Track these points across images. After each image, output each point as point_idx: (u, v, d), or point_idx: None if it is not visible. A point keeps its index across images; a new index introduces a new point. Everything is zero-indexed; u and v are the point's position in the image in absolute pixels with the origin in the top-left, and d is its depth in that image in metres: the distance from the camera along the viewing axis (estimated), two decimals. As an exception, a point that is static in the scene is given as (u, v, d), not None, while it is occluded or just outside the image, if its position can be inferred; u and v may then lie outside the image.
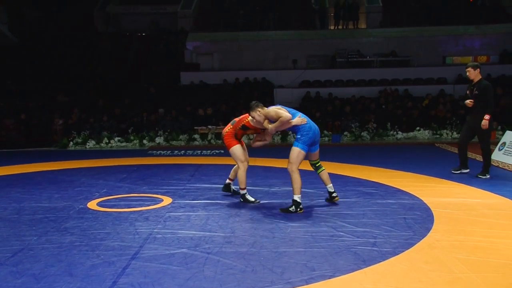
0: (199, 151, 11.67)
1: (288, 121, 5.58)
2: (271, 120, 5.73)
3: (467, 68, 7.60)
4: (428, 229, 4.74)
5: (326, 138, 13.82)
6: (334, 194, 5.94)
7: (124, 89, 18.20)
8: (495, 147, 9.35)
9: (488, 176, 7.53)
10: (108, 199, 6.39)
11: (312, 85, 18.51)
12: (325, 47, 20.42)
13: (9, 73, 19.59)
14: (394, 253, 4.08)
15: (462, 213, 5.36)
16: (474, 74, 7.50)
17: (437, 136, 14.12)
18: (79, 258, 4.03)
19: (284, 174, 8.21)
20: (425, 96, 16.50)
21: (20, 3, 23.44)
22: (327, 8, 21.99)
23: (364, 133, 14.11)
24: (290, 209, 5.50)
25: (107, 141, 13.70)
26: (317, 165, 5.95)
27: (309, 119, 5.76)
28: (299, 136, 5.59)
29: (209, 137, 13.76)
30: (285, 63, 20.30)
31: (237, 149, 6.11)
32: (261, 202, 6.09)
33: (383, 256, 4.00)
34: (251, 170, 8.65)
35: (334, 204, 5.88)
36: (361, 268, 3.74)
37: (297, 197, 5.50)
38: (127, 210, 5.73)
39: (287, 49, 20.53)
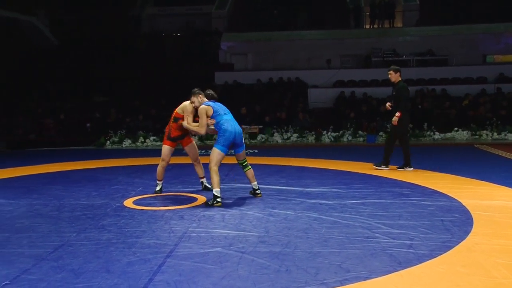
0: (233, 151, 11.71)
1: (192, 130, 6.31)
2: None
3: (389, 71, 8.26)
4: (467, 232, 4.62)
5: (361, 139, 13.66)
6: (258, 191, 6.39)
7: (159, 90, 18.45)
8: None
9: (412, 169, 8.21)
10: (143, 197, 6.49)
11: (346, 85, 18.32)
12: (359, 46, 20.19)
13: (49, 74, 20.17)
14: (431, 255, 3.99)
15: (503, 216, 5.20)
16: (395, 77, 8.18)
17: (477, 137, 13.76)
18: (116, 255, 4.11)
19: (317, 174, 8.18)
20: (465, 96, 16.09)
21: (60, 7, 24.11)
22: (362, 7, 21.74)
23: (400, 134, 13.87)
24: (209, 202, 5.93)
25: (143, 140, 13.92)
26: (243, 164, 6.35)
27: (231, 121, 6.10)
28: (217, 138, 6.05)
29: (243, 137, 13.81)
30: (319, 63, 20.16)
31: (164, 148, 6.65)
32: (295, 202, 6.05)
33: (420, 259, 3.92)
34: (284, 170, 8.65)
35: (369, 205, 5.80)
36: (397, 270, 3.68)
37: (215, 191, 5.89)
38: (162, 209, 5.81)
39: (321, 49, 20.39)
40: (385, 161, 8.47)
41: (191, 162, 6.99)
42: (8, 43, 19.87)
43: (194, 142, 6.85)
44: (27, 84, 19.53)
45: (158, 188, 6.78)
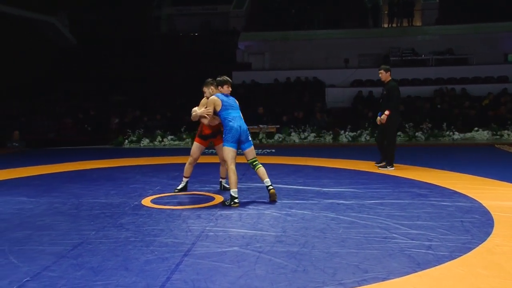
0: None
1: (196, 115, 6.27)
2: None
3: (379, 70, 8.37)
4: (487, 234, 4.54)
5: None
6: (270, 187, 6.10)
7: (177, 89, 18.56)
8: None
9: (393, 168, 8.28)
10: (161, 196, 6.53)
11: (364, 84, 18.21)
12: (377, 45, 20.05)
13: (68, 74, 20.44)
14: (451, 257, 3.94)
15: (524, 217, 5.11)
16: (385, 76, 8.33)
17: (497, 137, 13.55)
18: (134, 253, 4.14)
19: (335, 174, 8.14)
20: (486, 95, 15.86)
21: (80, 6, 24.38)
22: (381, 5, 21.58)
23: (419, 134, 13.74)
24: (226, 202, 5.92)
25: (161, 139, 14.01)
26: (253, 163, 6.16)
27: (237, 118, 6.04)
28: (224, 136, 6.04)
29: (260, 136, 13.81)
30: (337, 62, 20.07)
31: (193, 144, 6.75)
32: (312, 202, 6.03)
33: (439, 260, 3.87)
34: (302, 170, 8.63)
35: (387, 205, 5.76)
36: (415, 272, 3.64)
37: (233, 192, 5.86)
38: (179, 208, 5.84)
39: (338, 48, 20.30)
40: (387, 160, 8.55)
41: (217, 162, 7.00)
42: (29, 43, 20.19)
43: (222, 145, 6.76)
44: (47, 84, 19.83)
45: (180, 186, 6.77)
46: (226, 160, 5.96)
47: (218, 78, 6.29)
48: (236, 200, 5.86)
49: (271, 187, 6.13)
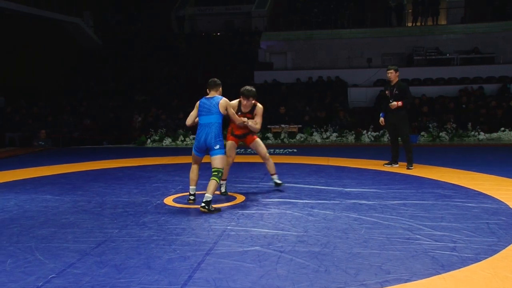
0: (272, 150, 11.71)
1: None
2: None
3: (389, 70, 8.38)
4: (514, 236, 4.46)
5: (402, 138, 13.40)
6: (202, 204, 5.52)
7: (199, 89, 18.65)
8: None
9: (412, 168, 8.21)
10: (183, 195, 6.56)
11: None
12: (401, 45, 19.82)
13: (93, 74, 20.73)
14: (476, 259, 3.87)
15: (552, 219, 4.99)
16: (394, 76, 8.34)
17: (524, 137, 13.27)
18: (157, 251, 4.18)
19: (357, 174, 8.08)
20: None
21: (104, 7, 24.73)
22: (405, 4, 21.34)
23: (443, 134, 13.54)
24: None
25: (183, 138, 14.11)
26: (212, 173, 5.72)
27: (201, 128, 5.75)
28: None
29: (282, 136, 13.78)
30: (359, 62, 19.91)
31: (227, 143, 6.53)
32: (334, 202, 5.99)
33: (464, 262, 3.81)
34: (324, 170, 8.59)
35: (410, 206, 5.68)
36: (439, 273, 3.59)
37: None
38: (201, 207, 5.86)
39: (361, 48, 20.14)
40: (394, 159, 8.63)
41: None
42: (54, 44, 20.56)
43: (258, 139, 6.64)
44: (72, 84, 20.17)
45: (222, 190, 6.56)
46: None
47: (242, 89, 6.40)
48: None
49: (203, 204, 5.50)
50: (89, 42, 22.59)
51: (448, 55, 19.06)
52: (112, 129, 15.62)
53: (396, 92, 8.30)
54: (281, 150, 11.64)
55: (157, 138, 14.21)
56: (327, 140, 13.99)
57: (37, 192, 6.92)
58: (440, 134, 13.54)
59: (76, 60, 21.95)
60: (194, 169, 6.14)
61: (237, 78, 19.28)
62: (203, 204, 5.51)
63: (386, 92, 8.56)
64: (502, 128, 13.53)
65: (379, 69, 18.73)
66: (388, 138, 13.67)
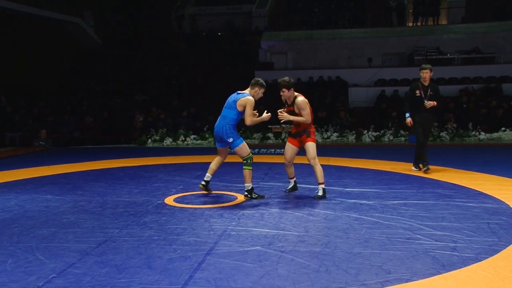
0: (272, 150, 11.72)
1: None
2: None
3: (426, 69, 7.94)
4: (514, 236, 4.46)
5: (403, 138, 13.39)
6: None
7: (199, 89, 18.66)
8: None
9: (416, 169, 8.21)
10: (184, 195, 6.57)
11: (388, 83, 18.01)
12: (402, 44, 19.81)
13: (93, 74, 20.73)
14: (477, 259, 3.87)
15: (553, 219, 4.99)
16: (429, 76, 7.95)
17: (525, 137, 13.25)
18: (157, 251, 4.18)
19: (358, 174, 8.07)
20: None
21: (105, 7, 24.74)
22: (405, 4, 21.33)
23: (443, 133, 13.53)
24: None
25: (183, 138, 14.11)
26: None
27: (219, 118, 6.22)
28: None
29: (283, 136, 13.79)
30: (360, 62, 19.90)
31: (286, 145, 6.63)
32: (335, 202, 5.99)
33: (464, 262, 3.81)
34: (324, 169, 8.56)
35: (411, 205, 5.68)
36: (440, 273, 3.59)
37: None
38: (202, 207, 5.87)
39: (362, 47, 20.12)
40: (424, 163, 8.12)
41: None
42: (55, 44, 20.57)
43: (310, 142, 6.32)
44: (73, 84, 20.16)
45: (289, 187, 6.68)
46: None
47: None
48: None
49: (245, 192, 6.21)
50: (89, 42, 22.59)
51: (448, 55, 19.05)
52: (113, 129, 15.61)
53: (431, 93, 7.96)
54: (282, 150, 11.59)
55: (157, 138, 14.21)
56: (328, 140, 13.99)
57: (37, 192, 6.92)
58: (441, 134, 13.53)
59: (76, 60, 21.94)
60: (216, 159, 6.51)
61: (237, 77, 19.28)
62: (245, 193, 6.17)
63: (417, 92, 8.04)
64: (503, 128, 13.52)
65: (379, 69, 18.75)
66: (388, 138, 13.72)
